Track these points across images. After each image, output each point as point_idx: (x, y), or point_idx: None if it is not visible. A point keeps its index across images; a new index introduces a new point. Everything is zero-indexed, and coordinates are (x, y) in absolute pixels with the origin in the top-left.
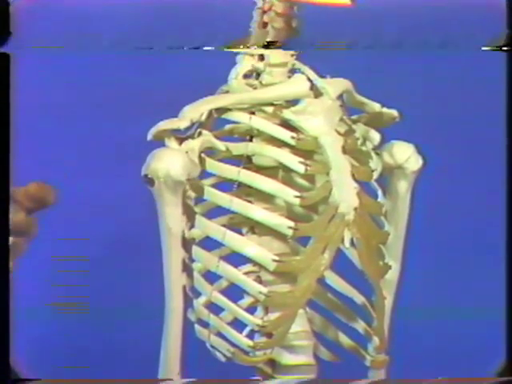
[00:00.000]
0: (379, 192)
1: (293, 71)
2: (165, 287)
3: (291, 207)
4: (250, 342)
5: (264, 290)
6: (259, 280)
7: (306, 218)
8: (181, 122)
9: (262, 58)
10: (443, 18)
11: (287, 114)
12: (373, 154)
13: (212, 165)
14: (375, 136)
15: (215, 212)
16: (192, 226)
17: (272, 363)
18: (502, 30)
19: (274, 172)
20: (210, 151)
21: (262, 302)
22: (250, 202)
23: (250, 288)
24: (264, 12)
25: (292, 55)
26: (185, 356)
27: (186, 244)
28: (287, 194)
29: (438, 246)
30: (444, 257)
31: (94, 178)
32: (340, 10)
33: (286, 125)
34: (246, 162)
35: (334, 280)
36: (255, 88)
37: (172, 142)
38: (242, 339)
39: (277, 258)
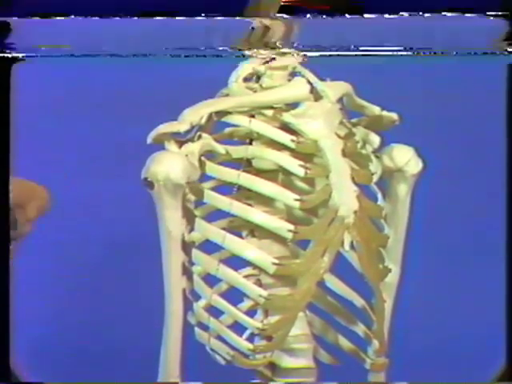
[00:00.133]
0: (379, 195)
1: (293, 74)
2: (165, 290)
3: (291, 210)
4: (250, 345)
5: (264, 293)
6: (259, 283)
7: (305, 221)
8: (181, 126)
9: (265, 61)
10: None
11: (287, 117)
12: (373, 157)
13: (212, 168)
14: (375, 139)
15: (215, 215)
16: (192, 229)
17: (272, 366)
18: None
19: (274, 175)
20: (209, 154)
21: (262, 305)
22: (249, 205)
23: (250, 291)
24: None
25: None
26: (185, 359)
27: (186, 247)
28: (287, 197)
29: (438, 249)
30: (444, 260)
31: (93, 182)
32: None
33: (286, 128)
34: (245, 165)
35: (334, 283)
36: (255, 91)
37: (172, 146)
38: (241, 342)
39: (276, 261)
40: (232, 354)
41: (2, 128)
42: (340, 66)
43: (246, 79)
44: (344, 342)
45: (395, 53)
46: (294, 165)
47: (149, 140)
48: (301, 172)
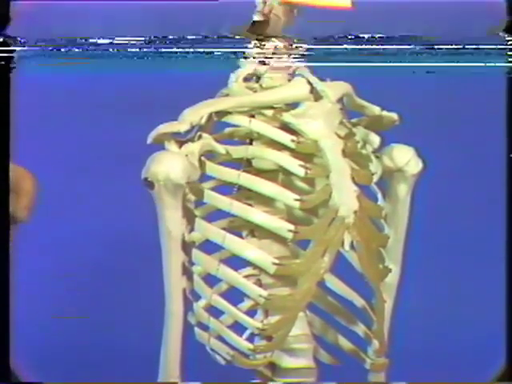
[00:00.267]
0: (379, 195)
1: (293, 74)
2: (165, 290)
3: (291, 210)
4: (250, 345)
5: (264, 293)
6: (259, 283)
7: (305, 221)
8: (181, 126)
9: (263, 62)
10: (444, 21)
11: (287, 117)
12: (373, 157)
13: (212, 168)
14: (375, 139)
15: (215, 215)
16: (192, 229)
17: (272, 366)
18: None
19: (274, 175)
20: (209, 154)
21: (262, 305)
22: (249, 205)
23: (250, 291)
24: (264, 15)
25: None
26: (185, 359)
27: (186, 247)
28: (287, 197)
29: (438, 249)
30: (444, 260)
31: (94, 182)
32: (342, 12)
33: (286, 128)
34: (245, 165)
35: (334, 283)
36: (255, 91)
37: (172, 146)
38: (242, 342)
39: (277, 261)
40: (232, 353)
41: (2, 128)
42: (340, 66)
43: (246, 79)
44: (344, 342)
45: (397, 47)
46: (294, 165)
47: (149, 140)
48: (301, 172)
